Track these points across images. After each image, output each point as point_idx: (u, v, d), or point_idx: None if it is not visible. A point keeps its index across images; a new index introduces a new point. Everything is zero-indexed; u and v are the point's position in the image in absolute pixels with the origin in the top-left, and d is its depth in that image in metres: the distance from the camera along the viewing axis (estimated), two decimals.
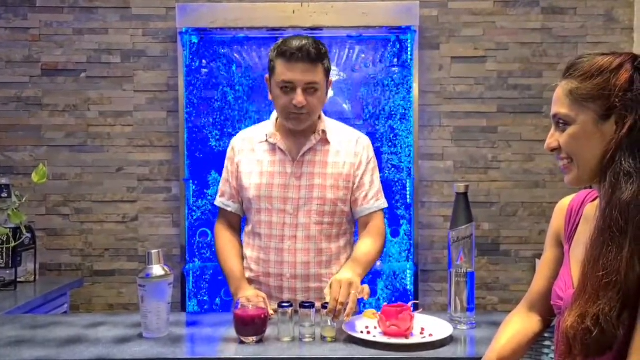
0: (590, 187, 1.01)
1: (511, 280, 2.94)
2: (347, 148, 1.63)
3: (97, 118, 2.84)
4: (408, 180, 2.80)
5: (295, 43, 1.47)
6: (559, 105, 0.93)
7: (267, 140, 1.61)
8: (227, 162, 1.67)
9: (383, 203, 1.68)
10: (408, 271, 2.77)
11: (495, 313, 1.61)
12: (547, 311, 1.08)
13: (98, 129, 2.84)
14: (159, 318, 1.28)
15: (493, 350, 1.02)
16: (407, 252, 2.83)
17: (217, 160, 2.73)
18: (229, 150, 1.67)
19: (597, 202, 0.98)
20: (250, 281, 1.61)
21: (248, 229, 1.65)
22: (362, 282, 1.46)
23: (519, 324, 1.07)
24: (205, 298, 2.76)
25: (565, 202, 1.08)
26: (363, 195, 1.63)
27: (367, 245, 1.59)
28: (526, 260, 2.94)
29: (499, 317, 1.46)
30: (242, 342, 1.25)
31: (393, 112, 2.83)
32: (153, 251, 1.31)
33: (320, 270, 1.59)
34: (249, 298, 1.32)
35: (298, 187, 1.58)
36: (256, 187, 1.58)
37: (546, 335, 1.09)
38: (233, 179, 1.64)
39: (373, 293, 2.79)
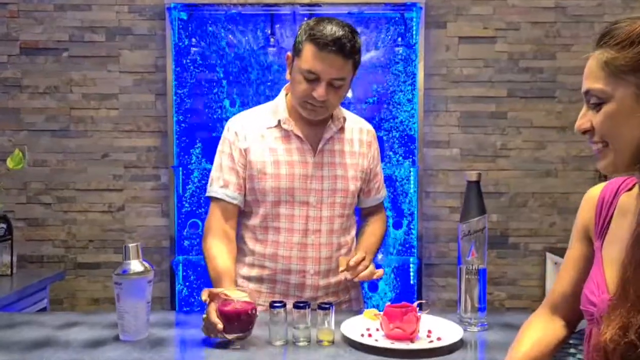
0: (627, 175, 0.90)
1: (520, 275, 2.85)
2: (358, 137, 1.58)
3: (80, 101, 2.74)
4: (412, 169, 2.70)
5: (330, 31, 1.35)
6: (592, 80, 0.82)
7: (278, 126, 1.50)
8: (227, 149, 1.51)
9: (385, 191, 1.71)
10: (411, 265, 2.68)
11: (508, 313, 1.51)
12: (572, 315, 0.98)
13: (81, 112, 2.74)
14: (137, 319, 1.19)
15: (513, 359, 0.93)
16: (410, 245, 2.74)
17: (208, 147, 2.64)
18: (228, 135, 1.52)
19: (635, 191, 0.88)
20: (262, 280, 1.50)
21: (253, 222, 1.52)
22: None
23: (541, 330, 0.97)
24: (195, 295, 2.67)
25: (595, 192, 0.97)
26: (377, 186, 1.64)
27: (375, 234, 1.61)
28: (536, 254, 2.85)
29: (512, 319, 1.37)
30: (226, 344, 1.15)
31: (396, 97, 2.73)
32: (130, 245, 1.21)
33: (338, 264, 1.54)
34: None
35: (321, 177, 1.49)
36: (274, 177, 1.47)
37: (571, 341, 0.99)
38: (241, 168, 1.51)
39: (374, 288, 2.70)
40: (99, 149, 2.74)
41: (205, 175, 2.62)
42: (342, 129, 1.54)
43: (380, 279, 1.54)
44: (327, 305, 1.18)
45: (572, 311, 0.97)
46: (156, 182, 2.76)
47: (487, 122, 2.83)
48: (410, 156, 2.73)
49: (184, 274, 2.68)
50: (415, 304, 1.21)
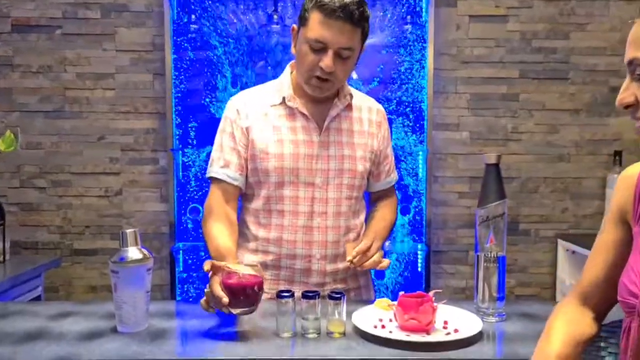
0: None
1: (530, 262, 2.80)
2: (367, 116, 1.52)
3: (74, 80, 2.66)
4: (420, 153, 2.63)
5: None
6: (636, 47, 0.75)
7: (283, 103, 1.44)
8: (229, 128, 1.46)
9: (396, 174, 1.65)
10: (419, 252, 2.62)
11: (525, 302, 1.46)
12: (604, 304, 0.92)
13: (76, 92, 2.66)
14: (136, 309, 1.13)
15: (547, 356, 0.86)
16: (418, 231, 2.68)
17: (208, 128, 2.57)
18: (230, 114, 1.47)
19: None
20: (266, 266, 1.44)
21: (256, 205, 1.46)
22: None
23: (571, 323, 0.91)
24: (197, 283, 2.62)
25: (633, 171, 0.90)
26: (387, 169, 1.58)
27: (385, 219, 1.55)
28: (547, 241, 2.80)
29: (531, 308, 1.33)
30: (231, 336, 1.09)
31: (405, 77, 2.65)
32: (128, 230, 1.15)
33: None
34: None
35: (327, 157, 1.43)
36: (278, 157, 1.41)
37: (601, 334, 0.94)
38: (242, 148, 1.44)
39: (381, 276, 2.65)
40: (94, 131, 2.67)
41: (206, 158, 2.56)
42: (349, 107, 1.48)
43: (387, 268, 1.49)
44: (338, 295, 1.13)
45: (604, 300, 0.92)
46: (155, 166, 2.69)
47: (498, 104, 2.76)
48: (419, 139, 2.66)
49: (185, 261, 2.62)
50: (432, 293, 1.16)
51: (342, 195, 1.45)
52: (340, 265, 1.46)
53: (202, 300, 1.20)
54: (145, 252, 1.15)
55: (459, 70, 2.73)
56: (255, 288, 1.12)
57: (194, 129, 2.62)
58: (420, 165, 2.65)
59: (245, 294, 1.11)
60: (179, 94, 2.61)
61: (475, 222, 1.27)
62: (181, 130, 2.62)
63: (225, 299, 1.10)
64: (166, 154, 2.61)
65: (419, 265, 2.65)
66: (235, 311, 1.12)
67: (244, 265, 1.22)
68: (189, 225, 2.65)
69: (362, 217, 1.54)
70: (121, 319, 1.13)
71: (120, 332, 1.13)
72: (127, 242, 1.15)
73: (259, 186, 1.44)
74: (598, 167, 2.78)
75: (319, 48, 1.32)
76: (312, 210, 1.42)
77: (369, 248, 1.36)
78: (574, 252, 2.65)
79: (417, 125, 2.66)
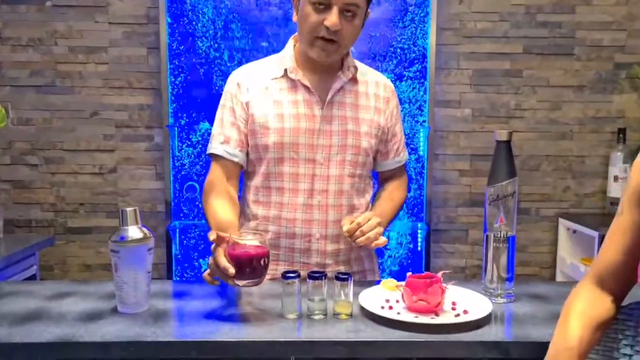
0: None
1: (530, 242, 2.80)
2: (374, 91, 1.48)
3: (66, 54, 2.60)
4: (421, 130, 2.60)
5: None
6: None
7: (285, 76, 1.40)
8: (229, 102, 1.43)
9: (407, 154, 1.61)
10: (419, 231, 2.61)
11: (532, 282, 1.44)
12: (621, 287, 0.91)
13: (68, 67, 2.60)
14: (137, 290, 1.11)
15: (568, 343, 0.85)
16: (418, 210, 2.66)
17: (205, 104, 2.53)
18: (230, 88, 1.44)
19: None
20: None
21: (256, 183, 1.43)
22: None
23: (590, 306, 0.89)
24: (194, 262, 2.60)
25: None
26: (396, 147, 1.54)
27: (392, 199, 1.52)
28: (548, 220, 2.79)
29: (540, 289, 1.32)
30: (234, 317, 1.08)
31: (406, 52, 2.60)
32: (128, 209, 1.12)
33: None
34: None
35: (329, 132, 1.40)
36: (277, 131, 1.37)
37: (618, 316, 0.92)
38: (242, 123, 1.41)
39: (379, 255, 2.64)
40: (87, 106, 2.62)
41: (203, 135, 2.52)
42: (355, 81, 1.44)
43: (384, 247, 1.47)
44: (345, 276, 1.11)
45: (622, 283, 0.90)
46: (150, 143, 2.65)
47: (501, 81, 2.72)
48: (420, 116, 2.62)
49: (181, 240, 2.60)
50: (440, 274, 1.14)
51: (345, 172, 1.41)
52: (342, 245, 1.43)
53: (206, 274, 1.18)
54: (146, 231, 1.13)
55: (462, 45, 2.69)
56: (262, 259, 1.10)
57: (190, 104, 2.56)
58: (422, 143, 2.62)
59: (252, 266, 1.08)
60: (175, 69, 2.55)
61: (485, 201, 1.25)
62: (177, 106, 2.56)
63: (232, 270, 1.07)
64: (161, 130, 2.57)
65: (419, 244, 2.64)
66: (241, 283, 1.10)
67: (249, 236, 1.19)
68: (186, 204, 2.61)
69: (369, 196, 1.51)
70: (122, 300, 1.11)
71: (121, 312, 1.11)
72: (127, 220, 1.12)
73: (259, 162, 1.42)
74: (601, 145, 2.76)
75: (323, 7, 1.28)
76: (312, 187, 1.39)
77: (367, 221, 1.31)
78: (575, 231, 2.65)
79: (418, 102, 2.62)
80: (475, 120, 2.73)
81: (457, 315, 1.09)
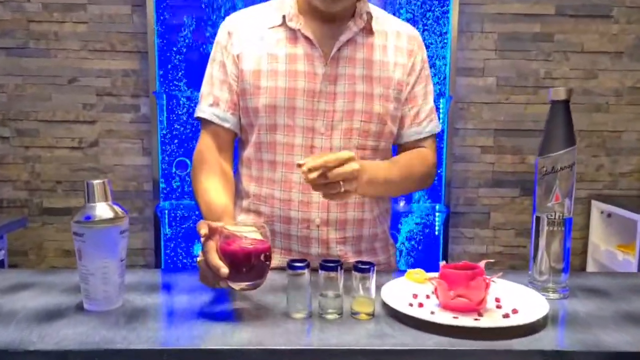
0: None
1: None
2: (394, 43, 1.26)
3: (40, 12, 2.43)
4: (441, 101, 2.41)
5: None
6: None
7: (284, 25, 1.20)
8: (219, 55, 1.24)
9: (437, 126, 1.34)
10: (437, 214, 2.43)
11: (582, 274, 1.26)
12: None
13: (42, 26, 2.43)
14: (106, 283, 0.92)
15: None
16: (435, 190, 2.49)
17: (197, 69, 2.37)
18: (220, 38, 1.25)
19: None
20: None
21: (248, 154, 1.25)
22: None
23: None
24: (185, 247, 2.44)
25: None
26: (414, 113, 1.29)
27: (411, 166, 1.26)
28: (579, 202, 2.62)
29: (596, 281, 1.15)
30: (232, 317, 0.89)
31: (425, 15, 2.40)
32: (95, 181, 0.93)
33: (361, 213, 1.24)
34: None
35: (333, 94, 1.19)
36: (269, 92, 1.18)
37: None
38: (234, 80, 1.22)
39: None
40: (65, 72, 2.46)
41: (195, 104, 2.35)
42: (369, 31, 1.23)
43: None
44: (367, 267, 0.92)
45: None
46: (135, 114, 2.48)
47: (530, 46, 2.55)
48: (440, 86, 2.43)
49: (171, 222, 2.43)
50: (482, 263, 0.95)
51: (351, 143, 1.21)
52: (349, 233, 1.24)
53: (200, 274, 0.98)
54: (118, 209, 0.94)
55: (486, 4, 2.52)
56: (262, 256, 0.91)
57: (180, 69, 2.39)
58: (440, 116, 2.43)
59: (250, 264, 0.90)
60: (162, 29, 2.37)
61: (535, 175, 1.06)
62: (165, 72, 2.38)
63: (224, 270, 0.89)
64: (148, 99, 2.42)
65: (436, 228, 2.46)
66: (236, 286, 0.91)
67: (247, 226, 1.01)
68: (176, 182, 2.45)
69: None
70: (88, 295, 0.93)
71: (87, 310, 0.93)
72: (95, 196, 0.93)
73: (251, 129, 1.24)
74: (639, 119, 2.59)
75: None
76: None
77: (339, 164, 1.00)
78: (609, 214, 2.48)
79: (438, 70, 2.43)
80: (500, 90, 2.57)
81: (506, 315, 0.91)
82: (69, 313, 0.92)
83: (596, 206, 2.55)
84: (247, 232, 0.95)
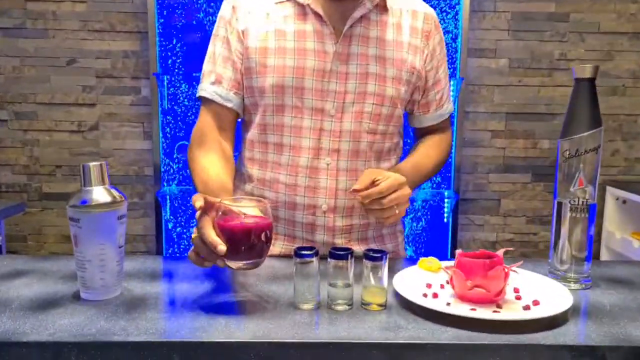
0: None
1: None
2: (409, 22, 1.21)
3: None
4: (452, 82, 2.34)
5: None
6: None
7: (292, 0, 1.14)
8: (222, 31, 1.19)
9: (452, 103, 1.34)
10: (446, 200, 2.38)
11: (603, 263, 1.21)
12: None
13: (39, 6, 2.37)
14: (104, 271, 0.89)
15: None
16: (444, 175, 2.43)
17: (200, 49, 2.31)
18: (224, 12, 1.20)
19: None
20: None
21: (252, 136, 1.21)
22: None
23: None
24: (188, 233, 2.40)
25: None
26: (439, 97, 1.28)
27: (429, 156, 1.28)
28: None
29: (617, 271, 1.11)
30: (236, 307, 0.85)
31: None
32: (92, 164, 0.89)
33: None
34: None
35: (344, 74, 1.14)
36: (277, 71, 1.13)
37: None
38: (238, 58, 1.17)
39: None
40: (63, 53, 2.41)
41: (196, 85, 2.29)
42: (383, 9, 1.18)
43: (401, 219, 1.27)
44: (379, 255, 0.88)
45: None
46: (136, 96, 2.43)
47: (544, 26, 2.47)
48: (450, 67, 2.37)
49: (172, 207, 2.39)
50: (501, 252, 0.91)
51: (362, 127, 1.17)
52: (356, 221, 1.21)
53: (191, 252, 0.93)
54: (116, 193, 0.90)
55: None
56: (263, 234, 0.86)
57: (181, 50, 2.33)
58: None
59: (249, 242, 0.85)
60: (164, 9, 2.31)
61: (557, 158, 1.01)
62: (166, 52, 2.33)
63: (222, 247, 0.84)
64: (149, 81, 2.36)
65: (445, 215, 2.42)
66: (234, 265, 0.87)
67: (245, 201, 0.96)
68: (178, 166, 2.40)
69: (395, 161, 1.26)
70: (85, 283, 0.89)
71: (84, 299, 0.89)
72: (91, 179, 0.89)
73: (255, 110, 1.19)
74: None
75: None
76: (319, 146, 1.15)
77: (382, 195, 1.05)
78: (625, 201, 2.42)
79: (448, 50, 2.37)
80: (512, 72, 2.50)
81: (527, 307, 0.87)
82: (65, 302, 0.88)
83: (611, 192, 2.50)
84: (245, 207, 0.90)
